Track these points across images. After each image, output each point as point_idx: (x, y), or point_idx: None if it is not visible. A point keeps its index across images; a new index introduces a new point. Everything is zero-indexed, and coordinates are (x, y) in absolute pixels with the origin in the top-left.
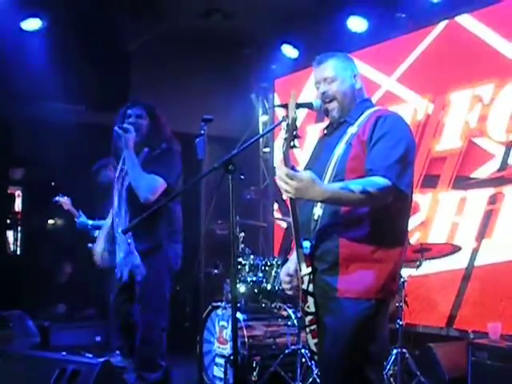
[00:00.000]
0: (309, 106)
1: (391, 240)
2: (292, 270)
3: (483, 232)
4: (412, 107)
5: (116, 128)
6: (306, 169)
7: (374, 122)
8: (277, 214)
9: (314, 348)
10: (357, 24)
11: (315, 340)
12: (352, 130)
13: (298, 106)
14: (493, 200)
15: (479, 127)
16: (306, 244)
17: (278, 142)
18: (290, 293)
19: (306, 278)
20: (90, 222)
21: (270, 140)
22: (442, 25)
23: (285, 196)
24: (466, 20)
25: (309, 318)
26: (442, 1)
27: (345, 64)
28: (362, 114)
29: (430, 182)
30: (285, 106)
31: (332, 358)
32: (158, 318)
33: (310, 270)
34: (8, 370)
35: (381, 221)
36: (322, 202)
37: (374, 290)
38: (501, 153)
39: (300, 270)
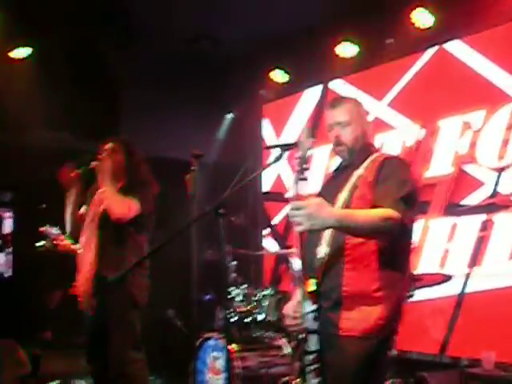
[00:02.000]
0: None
1: (394, 280)
2: (296, 307)
3: (475, 259)
4: (402, 132)
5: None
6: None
7: (379, 164)
8: (267, 240)
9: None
10: (347, 49)
11: (317, 379)
12: (358, 172)
13: (288, 146)
14: (484, 227)
15: (469, 154)
16: (312, 281)
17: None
18: (294, 329)
19: (311, 316)
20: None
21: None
22: (431, 51)
23: (297, 229)
24: (455, 47)
25: (310, 357)
26: (432, 27)
27: (358, 109)
28: (367, 157)
29: (421, 208)
30: (276, 147)
31: None
32: (127, 351)
33: (314, 307)
34: None
35: (384, 261)
36: (332, 226)
37: (377, 328)
38: (492, 179)
39: (304, 307)
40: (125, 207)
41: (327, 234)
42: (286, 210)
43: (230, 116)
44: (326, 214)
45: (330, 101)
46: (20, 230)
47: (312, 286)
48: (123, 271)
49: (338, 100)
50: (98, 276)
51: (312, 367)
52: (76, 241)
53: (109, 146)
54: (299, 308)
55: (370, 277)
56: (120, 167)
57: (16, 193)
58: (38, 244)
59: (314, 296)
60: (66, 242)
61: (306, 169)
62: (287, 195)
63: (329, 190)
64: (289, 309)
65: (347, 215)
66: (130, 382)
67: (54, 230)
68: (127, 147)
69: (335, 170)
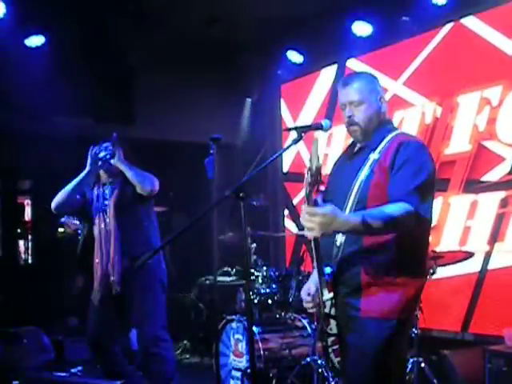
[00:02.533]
0: (319, 127)
1: (413, 266)
2: (313, 289)
3: (496, 235)
4: (420, 111)
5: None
6: (326, 193)
7: (395, 148)
8: (287, 221)
9: (337, 365)
10: (362, 28)
11: (338, 358)
12: (374, 156)
13: (309, 128)
14: (504, 203)
15: (488, 130)
16: (328, 270)
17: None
18: (311, 311)
19: (328, 303)
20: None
21: (279, 145)
22: (447, 27)
23: (309, 234)
24: (471, 22)
25: (331, 338)
26: (447, 3)
27: (371, 86)
28: (383, 139)
29: (441, 185)
30: (294, 129)
31: (355, 377)
32: (157, 330)
33: (331, 295)
34: None
35: (402, 248)
36: (346, 232)
37: (397, 310)
38: (511, 155)
39: (322, 294)
40: (152, 181)
41: None
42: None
43: (249, 101)
44: (339, 225)
45: (342, 79)
46: (39, 218)
47: (328, 273)
48: (148, 254)
49: (350, 78)
50: (128, 258)
51: (334, 347)
52: None
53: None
54: (314, 291)
55: (389, 263)
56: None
57: (34, 180)
58: (59, 230)
59: (330, 284)
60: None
61: (321, 182)
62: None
63: (345, 174)
64: (304, 292)
65: (360, 223)
66: (162, 362)
67: (74, 221)
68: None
69: (349, 148)
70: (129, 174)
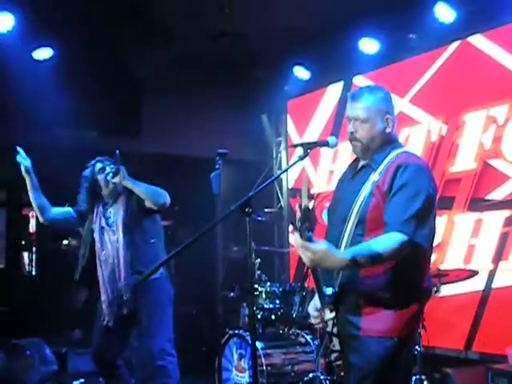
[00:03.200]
0: (325, 144)
1: (411, 288)
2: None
3: (500, 254)
4: (425, 128)
5: (107, 176)
6: (329, 209)
7: (394, 171)
8: (292, 237)
9: (341, 380)
10: (369, 45)
11: (342, 373)
12: (374, 177)
13: (315, 144)
14: (509, 222)
15: (494, 148)
16: (329, 291)
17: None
18: (318, 326)
19: (330, 322)
20: None
21: (285, 161)
22: (454, 45)
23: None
24: (478, 40)
25: (335, 354)
26: (454, 21)
27: (379, 106)
28: (384, 158)
29: (445, 203)
30: (300, 146)
31: None
32: (164, 343)
33: (333, 315)
34: None
35: (399, 271)
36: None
37: (398, 328)
38: None
39: (324, 314)
40: (162, 194)
41: (343, 245)
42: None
43: (264, 116)
44: (332, 263)
45: (352, 91)
46: (44, 230)
47: (328, 294)
48: (153, 268)
49: (361, 92)
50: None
51: (337, 363)
52: None
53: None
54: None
55: (387, 284)
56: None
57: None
58: (63, 243)
59: (331, 304)
60: None
61: (307, 220)
62: (312, 191)
63: (346, 193)
64: (311, 308)
65: (353, 260)
66: (167, 375)
67: None
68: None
69: (353, 163)
70: (138, 189)
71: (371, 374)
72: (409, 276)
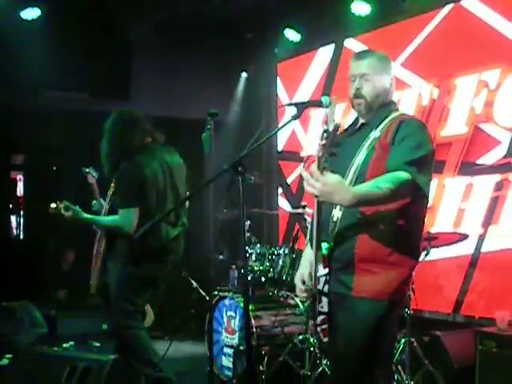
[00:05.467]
0: (318, 104)
1: (407, 244)
2: (306, 276)
3: (490, 218)
4: (417, 92)
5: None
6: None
7: (396, 125)
8: (281, 199)
9: (323, 345)
10: (360, 8)
11: (326, 339)
12: (375, 134)
13: (308, 104)
14: (499, 186)
15: (485, 113)
16: (325, 245)
17: (315, 146)
18: (303, 298)
19: (323, 279)
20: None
21: (274, 123)
22: (446, 8)
23: (310, 194)
24: (471, 3)
25: (321, 317)
26: None
27: (384, 65)
28: (385, 118)
29: (436, 167)
30: (293, 105)
31: (344, 356)
32: (123, 318)
33: (326, 271)
34: (19, 368)
35: (398, 224)
36: (348, 206)
37: (388, 291)
38: (507, 139)
39: (317, 270)
40: (126, 223)
41: None
42: (300, 170)
43: (244, 75)
44: (342, 196)
45: (356, 52)
46: (31, 193)
47: (324, 249)
48: (147, 225)
49: (366, 52)
50: None
51: (322, 327)
52: None
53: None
54: (308, 277)
55: (383, 241)
56: (112, 142)
57: (28, 156)
58: (51, 206)
59: (326, 259)
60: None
61: (333, 144)
62: (302, 154)
63: (345, 150)
64: (298, 279)
65: (362, 194)
66: (130, 348)
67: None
68: (118, 118)
69: (350, 126)
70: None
71: (360, 335)
72: (408, 231)
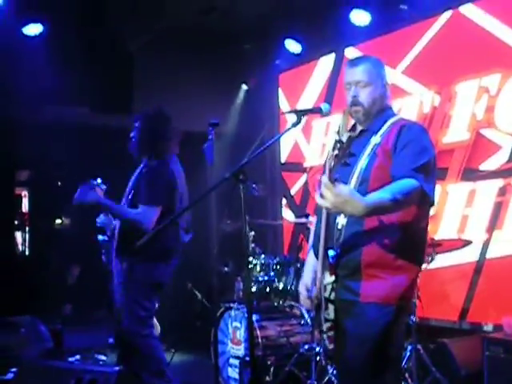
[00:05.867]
0: (317, 111)
1: (412, 249)
2: (310, 284)
3: (494, 224)
4: (418, 100)
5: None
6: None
7: (398, 131)
8: (285, 210)
9: (325, 351)
10: (360, 17)
11: (332, 346)
12: (375, 139)
13: (307, 111)
14: (502, 191)
15: (486, 118)
16: (331, 253)
17: (327, 157)
18: (308, 306)
19: (329, 287)
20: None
21: (277, 134)
22: (445, 15)
23: (320, 204)
24: (469, 10)
25: (327, 324)
26: None
27: (378, 70)
28: (384, 122)
29: (439, 174)
30: (294, 112)
31: (354, 362)
32: (135, 325)
33: (333, 278)
34: (24, 382)
35: (404, 232)
36: (361, 216)
37: (395, 296)
38: (509, 144)
39: (323, 278)
40: (145, 220)
41: None
42: (304, 179)
43: (244, 87)
44: (354, 207)
45: (350, 59)
46: (36, 208)
47: (331, 256)
48: (148, 234)
49: (359, 59)
50: None
51: (328, 334)
52: None
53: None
54: (312, 285)
55: (389, 247)
56: (138, 143)
57: (32, 171)
58: (56, 222)
59: (333, 267)
60: None
61: (346, 154)
62: (305, 165)
63: (353, 155)
64: (302, 288)
65: (374, 204)
66: (140, 356)
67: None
68: (145, 119)
69: (349, 132)
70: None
71: (369, 341)
72: (413, 237)
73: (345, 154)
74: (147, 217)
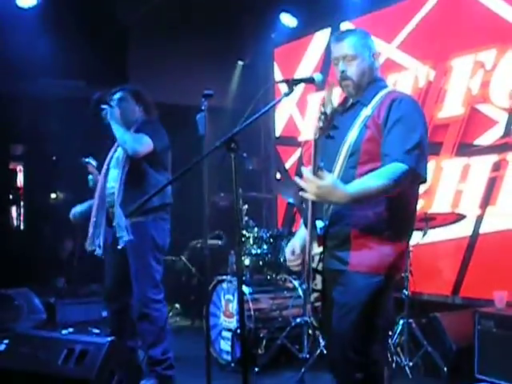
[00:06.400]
0: (310, 80)
1: (402, 221)
2: (298, 248)
3: (487, 199)
4: (413, 74)
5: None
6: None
7: (388, 104)
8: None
9: (315, 323)
10: None
11: (319, 316)
12: (366, 112)
13: (299, 81)
14: (497, 167)
15: (482, 93)
16: (319, 224)
17: (312, 129)
18: (295, 269)
19: (317, 257)
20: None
21: (271, 109)
22: None
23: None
24: None
25: (315, 295)
26: None
27: (364, 42)
28: (375, 95)
29: (433, 149)
30: (286, 82)
31: (341, 331)
32: (146, 290)
33: (321, 249)
34: (16, 351)
35: (393, 201)
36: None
37: (384, 265)
38: (504, 119)
39: (311, 249)
40: (136, 142)
41: (335, 176)
42: (298, 154)
43: (240, 64)
44: (338, 198)
45: (335, 34)
46: (31, 183)
47: (319, 227)
48: (138, 203)
49: (344, 33)
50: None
51: (316, 304)
52: None
53: (117, 95)
54: (299, 250)
55: (378, 217)
56: (129, 114)
57: (27, 145)
58: (51, 196)
59: (321, 238)
60: None
61: (331, 126)
62: (300, 139)
63: (337, 129)
64: (288, 250)
65: (358, 193)
66: (151, 322)
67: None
68: (135, 95)
69: (341, 105)
70: (116, 134)
71: (356, 309)
72: (404, 209)
73: (329, 127)
74: (139, 141)
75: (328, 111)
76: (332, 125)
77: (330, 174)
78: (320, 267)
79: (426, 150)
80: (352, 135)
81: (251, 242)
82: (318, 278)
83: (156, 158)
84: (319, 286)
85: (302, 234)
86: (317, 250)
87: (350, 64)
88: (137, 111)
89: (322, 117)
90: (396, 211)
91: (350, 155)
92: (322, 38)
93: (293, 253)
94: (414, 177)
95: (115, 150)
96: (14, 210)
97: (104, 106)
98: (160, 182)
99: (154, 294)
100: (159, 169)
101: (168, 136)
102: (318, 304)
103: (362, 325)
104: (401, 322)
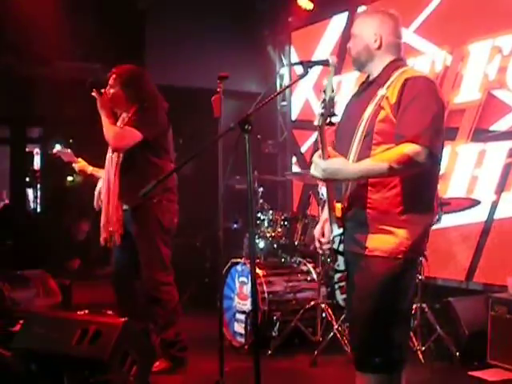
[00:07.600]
0: (325, 63)
1: (420, 204)
2: (327, 230)
3: (503, 185)
4: (430, 59)
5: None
6: (338, 128)
7: (402, 84)
8: (295, 168)
9: (341, 303)
10: None
11: (343, 296)
12: (381, 91)
13: (314, 63)
14: None
15: (499, 79)
16: (338, 206)
17: (316, 116)
18: (321, 252)
19: (337, 239)
20: (90, 168)
21: (288, 93)
22: None
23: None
24: None
25: (338, 275)
26: None
27: (368, 21)
28: (391, 74)
29: (449, 134)
30: (301, 64)
31: (359, 315)
32: (155, 273)
33: (341, 231)
34: (31, 331)
35: (410, 184)
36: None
37: (402, 249)
38: None
39: (332, 230)
40: (117, 138)
41: (351, 159)
42: (314, 138)
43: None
44: (346, 175)
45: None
46: (48, 166)
47: (338, 209)
48: (148, 187)
49: (362, 12)
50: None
51: (340, 284)
52: None
53: (110, 80)
54: (328, 231)
55: (395, 199)
56: (119, 101)
57: (43, 128)
58: (68, 179)
59: (341, 219)
60: (82, 162)
61: (334, 114)
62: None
63: (353, 109)
64: (317, 233)
65: (368, 171)
66: (161, 305)
67: (67, 150)
68: (123, 78)
69: (361, 85)
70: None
71: (375, 293)
72: (419, 189)
73: (330, 114)
74: (128, 135)
75: (328, 97)
76: (333, 112)
77: (335, 156)
78: (341, 248)
79: (441, 129)
80: (367, 115)
81: (266, 224)
82: (340, 258)
83: (153, 144)
84: (342, 267)
85: (324, 217)
86: (337, 231)
87: (352, 41)
88: (128, 98)
89: (323, 104)
90: (413, 191)
91: (365, 135)
92: (338, 22)
93: (323, 235)
94: (430, 156)
95: None
96: (30, 192)
97: (93, 94)
98: (161, 166)
99: (163, 277)
100: (160, 154)
101: (184, 119)
102: (342, 284)
103: (381, 309)
104: (414, 306)
